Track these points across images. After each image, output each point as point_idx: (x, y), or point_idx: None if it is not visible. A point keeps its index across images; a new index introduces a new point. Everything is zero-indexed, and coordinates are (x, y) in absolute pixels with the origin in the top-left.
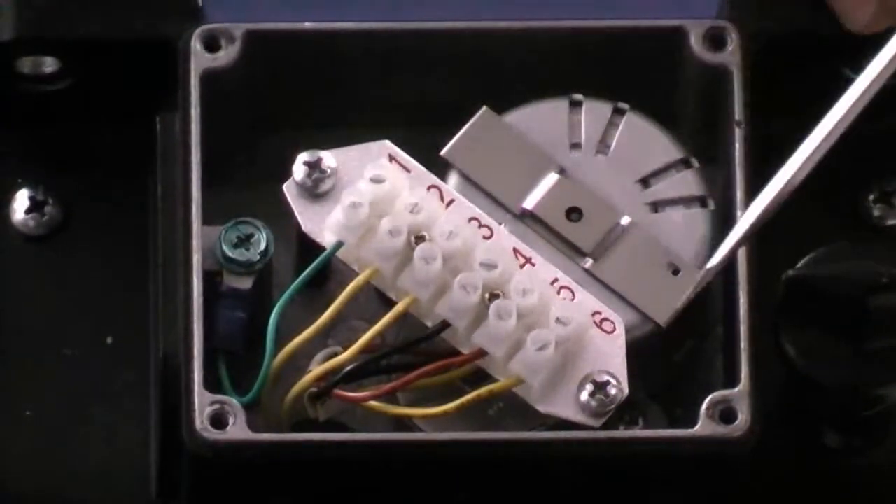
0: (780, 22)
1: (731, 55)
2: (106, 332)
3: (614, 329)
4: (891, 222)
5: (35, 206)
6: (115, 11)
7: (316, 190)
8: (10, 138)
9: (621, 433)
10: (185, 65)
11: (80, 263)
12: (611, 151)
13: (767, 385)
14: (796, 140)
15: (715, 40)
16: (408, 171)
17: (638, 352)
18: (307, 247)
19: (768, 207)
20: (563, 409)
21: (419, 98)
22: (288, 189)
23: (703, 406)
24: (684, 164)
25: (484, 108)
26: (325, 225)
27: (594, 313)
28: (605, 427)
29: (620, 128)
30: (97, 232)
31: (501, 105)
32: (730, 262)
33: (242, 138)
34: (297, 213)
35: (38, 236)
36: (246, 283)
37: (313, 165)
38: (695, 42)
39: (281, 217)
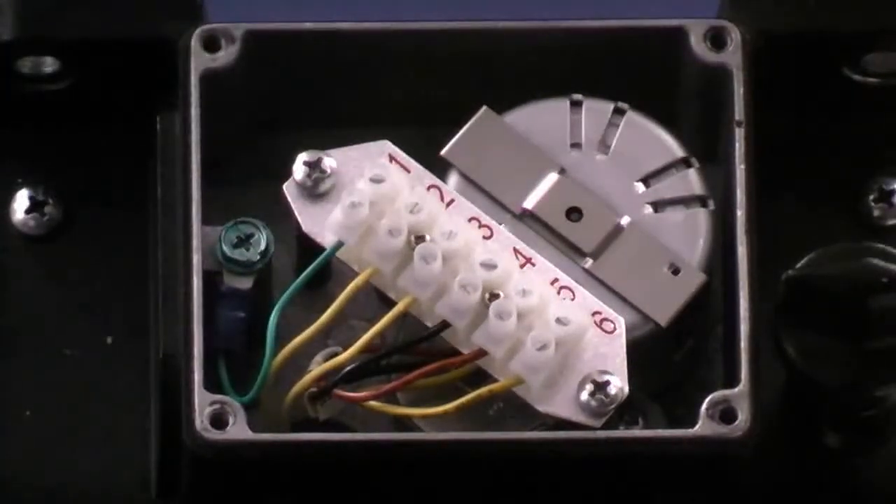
0: (780, 22)
1: (731, 55)
2: (106, 332)
3: (614, 329)
4: (891, 222)
5: (35, 206)
6: (116, 11)
7: (316, 190)
8: (10, 138)
9: (621, 433)
10: (185, 65)
11: (80, 263)
12: (611, 151)
13: (767, 385)
14: (796, 140)
15: (715, 40)
16: (408, 171)
17: (638, 352)
18: (307, 247)
19: None
20: (563, 408)
21: (419, 98)
22: (288, 189)
23: (703, 406)
24: (684, 164)
25: (484, 108)
26: (325, 225)
27: (594, 313)
28: (605, 427)
29: (620, 128)
30: (97, 232)
31: (501, 105)
32: (730, 261)
33: (242, 138)
34: (297, 213)
35: (38, 236)
36: (246, 283)
37: (313, 165)
38: (695, 42)
39: (281, 217)
